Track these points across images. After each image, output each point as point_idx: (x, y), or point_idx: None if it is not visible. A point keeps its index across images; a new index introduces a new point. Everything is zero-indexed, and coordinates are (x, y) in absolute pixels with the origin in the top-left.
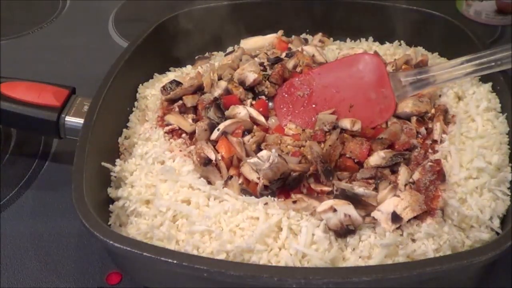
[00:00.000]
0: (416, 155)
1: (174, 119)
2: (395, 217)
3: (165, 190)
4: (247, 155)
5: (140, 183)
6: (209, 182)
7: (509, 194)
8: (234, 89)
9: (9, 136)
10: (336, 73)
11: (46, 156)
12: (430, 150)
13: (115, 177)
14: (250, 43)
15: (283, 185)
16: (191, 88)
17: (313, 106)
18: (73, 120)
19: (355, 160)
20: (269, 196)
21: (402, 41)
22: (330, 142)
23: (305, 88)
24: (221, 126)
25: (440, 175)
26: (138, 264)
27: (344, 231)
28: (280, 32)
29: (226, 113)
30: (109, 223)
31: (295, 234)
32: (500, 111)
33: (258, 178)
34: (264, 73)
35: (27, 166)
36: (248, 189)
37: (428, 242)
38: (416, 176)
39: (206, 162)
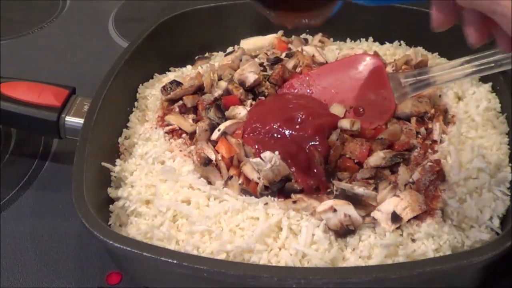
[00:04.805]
0: (416, 155)
1: (175, 119)
2: (395, 217)
3: (165, 190)
4: (247, 156)
5: (140, 183)
6: (209, 182)
7: (509, 194)
8: (234, 90)
9: (9, 136)
10: (336, 74)
11: (46, 156)
12: (430, 150)
13: (115, 177)
14: (250, 43)
15: (283, 187)
16: (191, 89)
17: None
18: (73, 120)
19: (355, 161)
20: (269, 196)
21: (402, 41)
22: (330, 143)
23: (305, 89)
24: (222, 127)
25: (440, 175)
26: (138, 264)
27: (344, 231)
28: (280, 32)
29: (226, 113)
30: (109, 223)
31: (295, 234)
32: (500, 111)
33: (259, 178)
34: (264, 73)
35: (27, 166)
36: (248, 189)
37: (428, 242)
38: (416, 176)
39: (206, 162)
